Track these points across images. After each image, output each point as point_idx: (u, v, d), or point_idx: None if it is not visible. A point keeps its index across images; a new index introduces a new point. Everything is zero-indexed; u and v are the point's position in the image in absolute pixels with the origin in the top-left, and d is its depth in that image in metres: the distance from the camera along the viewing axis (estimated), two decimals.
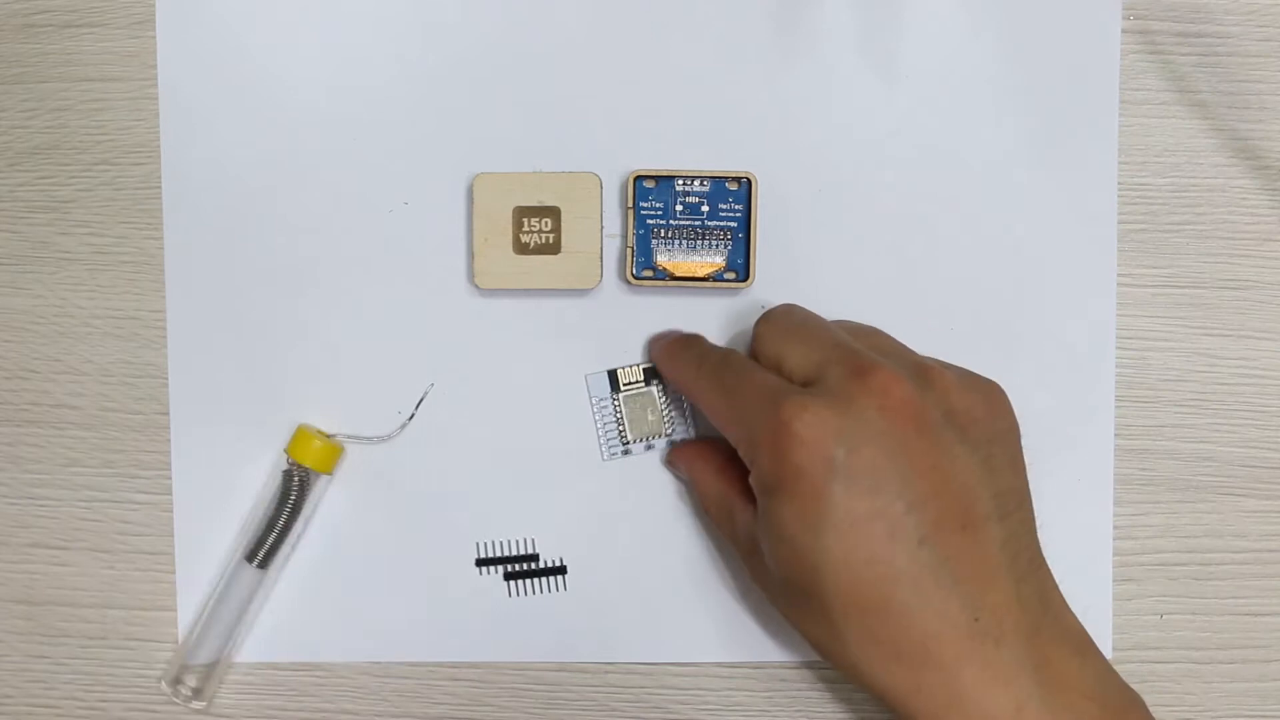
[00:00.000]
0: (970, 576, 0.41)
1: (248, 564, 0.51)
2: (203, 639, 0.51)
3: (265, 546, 0.50)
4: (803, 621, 0.44)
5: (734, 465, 0.48)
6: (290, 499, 0.50)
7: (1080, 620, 0.44)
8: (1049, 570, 0.44)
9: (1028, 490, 0.44)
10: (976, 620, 0.41)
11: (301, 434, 0.50)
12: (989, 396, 0.45)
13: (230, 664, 0.52)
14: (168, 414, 0.52)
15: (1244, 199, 0.52)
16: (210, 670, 0.51)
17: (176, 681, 0.51)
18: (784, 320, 0.47)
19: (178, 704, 0.52)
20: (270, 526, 0.50)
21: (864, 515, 0.41)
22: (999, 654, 0.41)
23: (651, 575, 0.52)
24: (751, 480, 0.44)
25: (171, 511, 0.52)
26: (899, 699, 0.42)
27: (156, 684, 0.52)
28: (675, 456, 0.51)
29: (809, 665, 0.52)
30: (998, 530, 0.42)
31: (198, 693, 0.51)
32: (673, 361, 0.50)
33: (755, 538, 0.45)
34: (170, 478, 0.52)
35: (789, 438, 0.41)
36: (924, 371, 0.44)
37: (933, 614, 0.41)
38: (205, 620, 0.51)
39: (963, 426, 0.43)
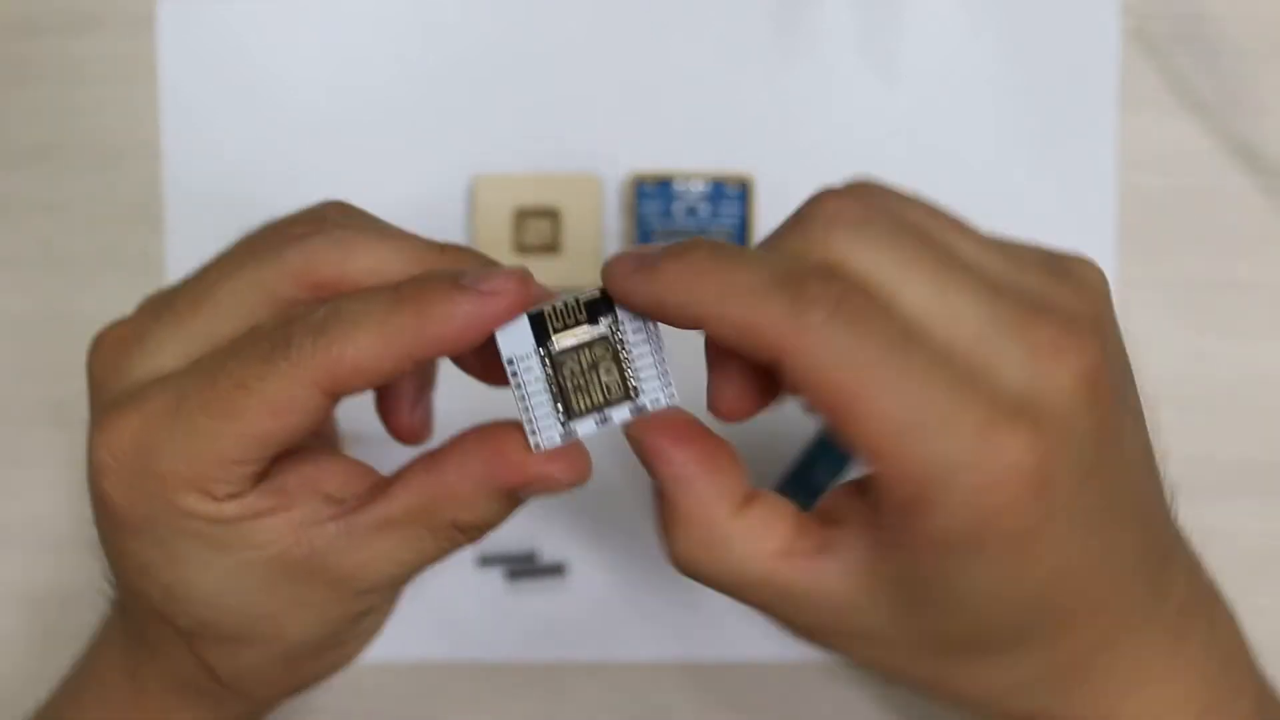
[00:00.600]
0: (1168, 581, 0.35)
1: None
2: None
3: None
4: (965, 681, 0.33)
5: (753, 497, 0.32)
6: None
7: None
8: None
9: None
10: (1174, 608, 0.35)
11: None
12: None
13: None
14: None
15: (1244, 199, 0.52)
16: None
17: None
18: (885, 221, 0.30)
19: None
20: None
21: (1097, 556, 0.31)
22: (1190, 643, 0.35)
23: (651, 575, 0.52)
24: (901, 520, 0.29)
25: None
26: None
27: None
28: (642, 432, 0.32)
29: (809, 665, 0.52)
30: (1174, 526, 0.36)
31: None
32: (719, 292, 0.29)
33: (841, 604, 0.31)
34: None
35: (1012, 478, 0.28)
36: (1094, 319, 0.31)
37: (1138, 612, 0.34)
38: None
39: (1127, 365, 0.34)
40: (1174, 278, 0.52)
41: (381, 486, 0.34)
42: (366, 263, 0.33)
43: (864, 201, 0.31)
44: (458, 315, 0.31)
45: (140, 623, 0.36)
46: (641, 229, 0.50)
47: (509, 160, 0.51)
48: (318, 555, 0.33)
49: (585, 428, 0.33)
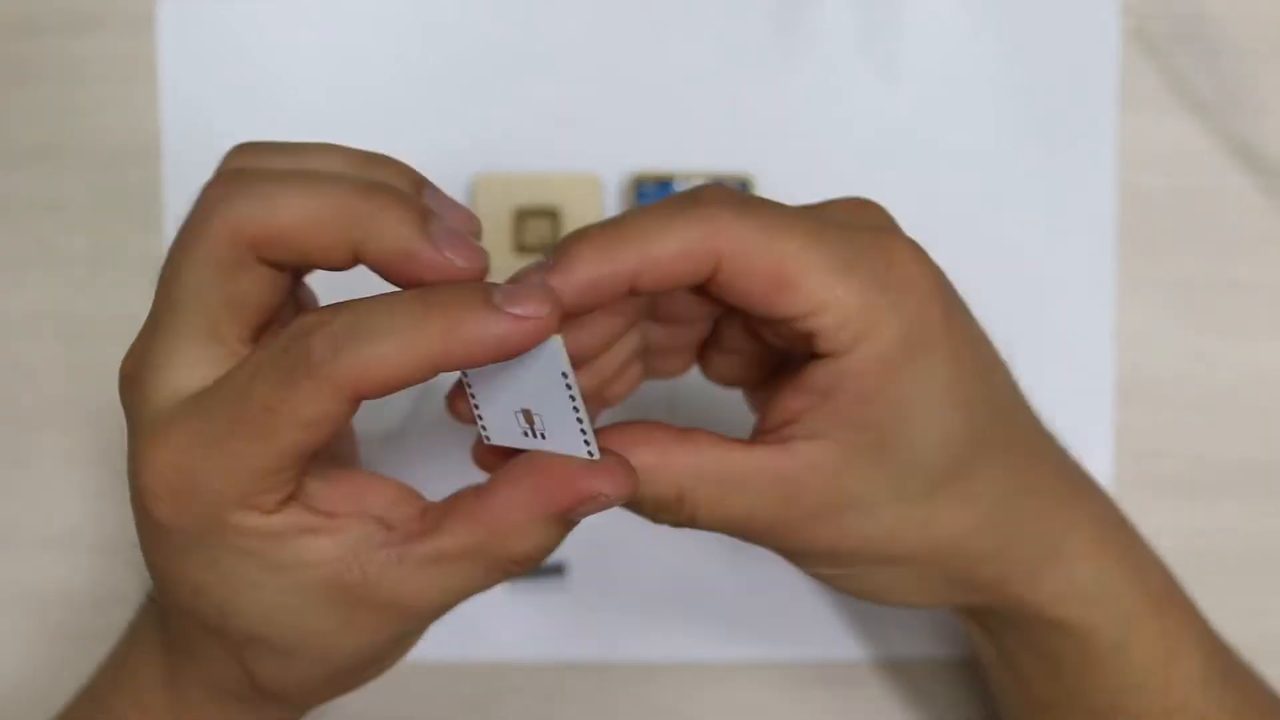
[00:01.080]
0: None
1: None
2: None
3: None
4: (936, 520, 0.36)
5: (689, 431, 0.36)
6: None
7: None
8: None
9: None
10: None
11: None
12: None
13: None
14: None
15: (1244, 199, 0.52)
16: None
17: None
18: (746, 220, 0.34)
19: None
20: None
21: (989, 364, 0.37)
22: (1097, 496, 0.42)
23: (651, 575, 0.52)
24: (852, 362, 0.33)
25: None
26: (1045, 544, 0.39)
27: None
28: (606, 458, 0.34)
29: (809, 664, 0.52)
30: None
31: None
32: (644, 244, 0.33)
33: (829, 473, 0.34)
34: None
35: (917, 284, 0.34)
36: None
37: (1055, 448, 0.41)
38: None
39: None
40: (1174, 278, 0.52)
41: (433, 515, 0.34)
42: (292, 215, 0.33)
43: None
44: (487, 337, 0.30)
45: (183, 633, 0.36)
46: None
47: (509, 160, 0.51)
48: (370, 581, 0.33)
49: (518, 442, 0.34)
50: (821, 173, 0.52)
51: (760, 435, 0.35)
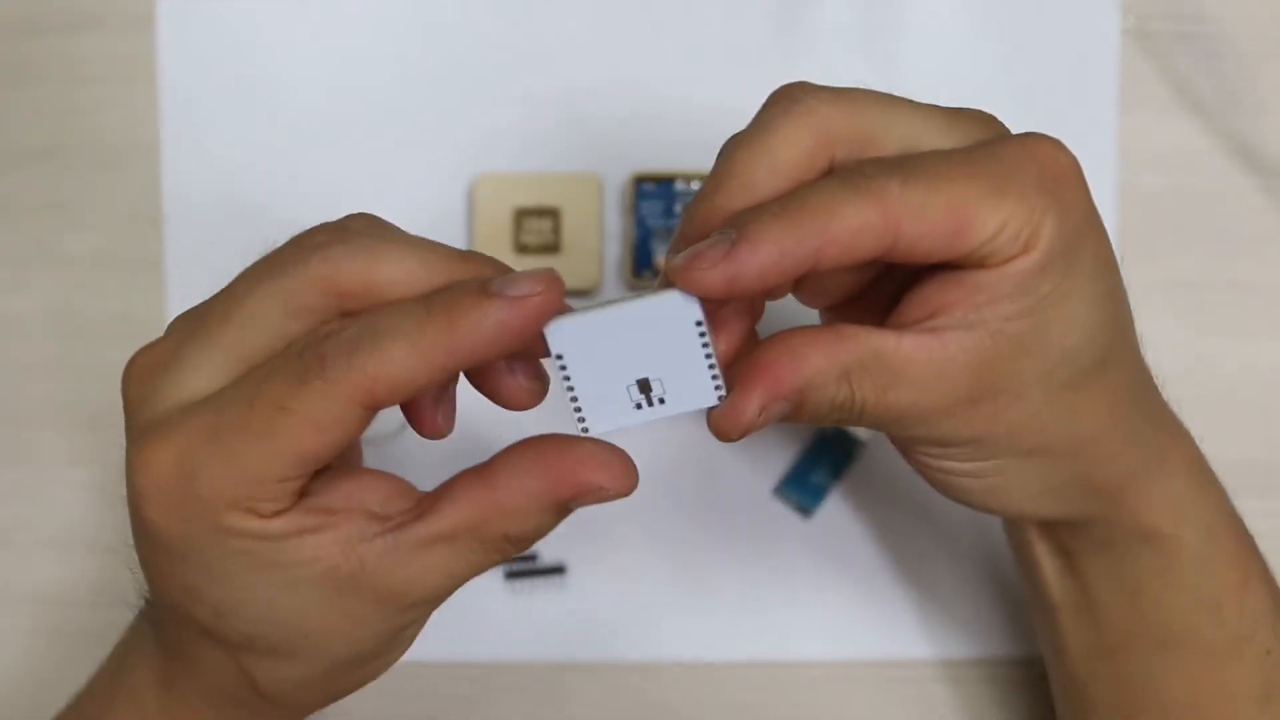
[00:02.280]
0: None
1: None
2: None
3: None
4: (1091, 400, 0.37)
5: (838, 329, 0.35)
6: None
7: None
8: None
9: None
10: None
11: None
12: None
13: None
14: None
15: (1244, 199, 0.52)
16: None
17: None
18: (845, 93, 0.37)
19: None
20: None
21: (1120, 289, 0.39)
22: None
23: (651, 575, 0.52)
24: (1018, 270, 0.34)
25: None
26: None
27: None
28: (762, 371, 0.34)
29: (809, 665, 0.52)
30: None
31: None
32: (824, 228, 0.33)
33: (971, 351, 0.34)
34: None
35: (1075, 190, 0.35)
36: None
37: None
38: None
39: None
40: (1174, 278, 0.52)
41: (428, 502, 0.34)
42: (390, 271, 0.33)
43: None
44: (488, 323, 0.31)
45: (178, 637, 0.36)
46: (641, 228, 0.50)
47: (509, 160, 0.51)
48: (367, 571, 0.33)
49: (628, 418, 0.35)
50: None
51: (900, 326, 0.35)
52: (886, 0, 0.52)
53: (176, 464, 0.32)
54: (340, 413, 0.31)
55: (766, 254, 0.32)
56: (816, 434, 0.52)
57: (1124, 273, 0.52)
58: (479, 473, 0.34)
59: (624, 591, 0.52)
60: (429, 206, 0.51)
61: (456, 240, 0.52)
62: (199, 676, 0.37)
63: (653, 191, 0.50)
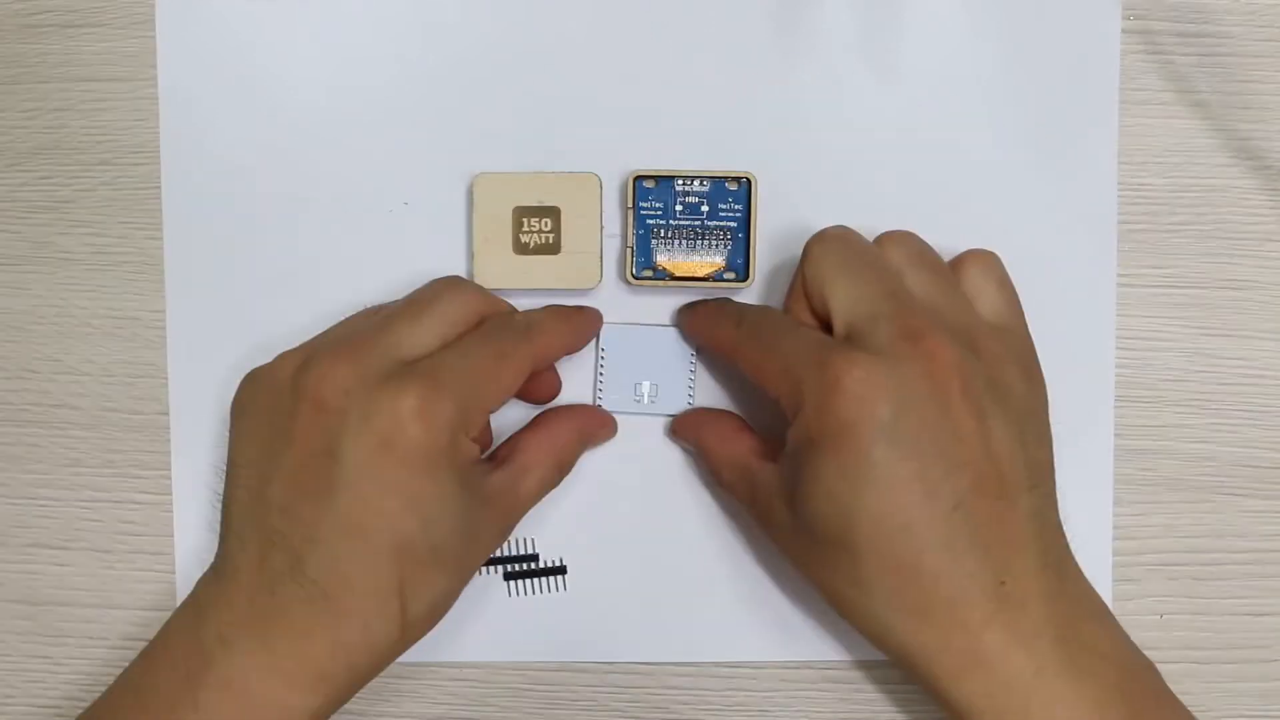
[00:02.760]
0: (1000, 543, 0.42)
1: None
2: None
3: None
4: (828, 576, 0.44)
5: (744, 430, 0.50)
6: None
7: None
8: (1067, 540, 0.45)
9: (1053, 464, 0.46)
10: (1002, 584, 0.42)
11: None
12: (1030, 370, 0.46)
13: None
14: (168, 414, 0.52)
15: (1244, 199, 0.52)
16: None
17: None
18: (839, 249, 0.46)
19: None
20: None
21: (905, 477, 0.41)
22: (1022, 618, 0.42)
23: (651, 575, 0.52)
24: (791, 432, 0.44)
25: (171, 511, 0.52)
26: (922, 658, 0.42)
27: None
28: (680, 425, 0.52)
29: (809, 665, 0.52)
30: (1027, 500, 0.43)
31: None
32: (708, 321, 0.50)
33: (774, 495, 0.45)
34: (170, 478, 0.52)
35: (838, 392, 0.42)
36: (973, 340, 0.44)
37: (962, 576, 0.42)
38: None
39: (1003, 397, 0.44)
40: (1174, 278, 0.52)
41: (508, 447, 0.49)
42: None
43: (844, 230, 0.47)
44: (593, 321, 0.51)
45: (303, 603, 0.42)
46: (641, 228, 0.50)
47: (509, 159, 0.51)
48: (503, 491, 0.47)
49: (627, 406, 0.52)
50: (821, 172, 0.52)
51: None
52: (887, 0, 0.51)
53: (424, 396, 0.42)
54: (527, 366, 0.46)
55: (687, 325, 0.52)
56: None
57: (1123, 272, 0.52)
58: (540, 424, 0.50)
59: (624, 592, 0.52)
60: (429, 205, 0.51)
61: (456, 239, 0.51)
62: (302, 649, 0.42)
63: (652, 190, 0.50)
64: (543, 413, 0.51)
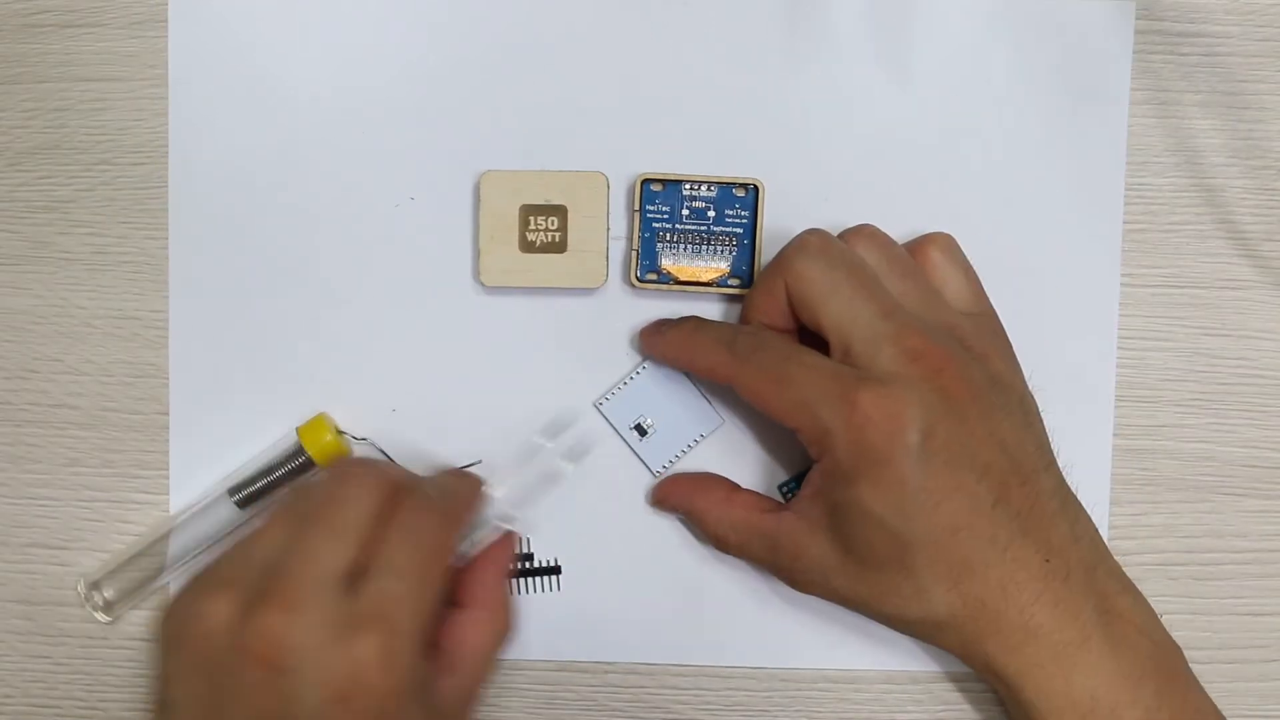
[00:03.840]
0: (1036, 525, 0.45)
1: (228, 498, 0.51)
2: (143, 556, 0.51)
3: (253, 487, 0.51)
4: (883, 596, 0.46)
5: (736, 489, 0.51)
6: (292, 462, 0.51)
7: None
8: (1082, 505, 0.47)
9: (1047, 432, 0.48)
10: (1047, 561, 0.45)
11: (318, 422, 0.51)
12: (1006, 349, 0.49)
13: (157, 591, 0.52)
14: (168, 414, 0.52)
15: (1244, 199, 0.52)
16: (136, 589, 0.51)
17: (95, 586, 0.51)
18: (824, 266, 0.46)
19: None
20: (265, 473, 0.51)
21: (945, 490, 0.44)
22: (1067, 589, 0.45)
23: (646, 577, 0.52)
24: (820, 469, 0.46)
25: (170, 511, 0.52)
26: (976, 640, 0.45)
27: (75, 587, 0.53)
28: (666, 495, 0.52)
29: (807, 671, 0.52)
30: (1046, 479, 0.46)
31: (109, 606, 0.51)
32: (693, 349, 0.49)
33: (806, 537, 0.47)
34: (170, 478, 0.52)
35: (868, 427, 0.43)
36: (961, 337, 0.46)
37: (1010, 563, 0.44)
38: (157, 540, 0.51)
39: (1002, 388, 0.46)
40: (1174, 278, 0.52)
41: (450, 632, 0.46)
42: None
43: (824, 238, 0.47)
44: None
45: None
46: (647, 230, 0.50)
47: (516, 157, 0.51)
48: (457, 694, 0.45)
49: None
50: (830, 176, 0.52)
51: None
52: (896, 4, 0.52)
53: (401, 634, 0.41)
54: (454, 550, 0.46)
55: (661, 351, 0.50)
56: None
57: (1124, 272, 0.52)
58: (470, 605, 0.47)
59: (619, 592, 0.52)
60: (435, 203, 0.51)
61: (462, 236, 0.51)
62: None
63: (659, 194, 0.50)
64: (465, 585, 0.47)
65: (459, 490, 0.48)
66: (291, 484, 0.47)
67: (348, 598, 0.41)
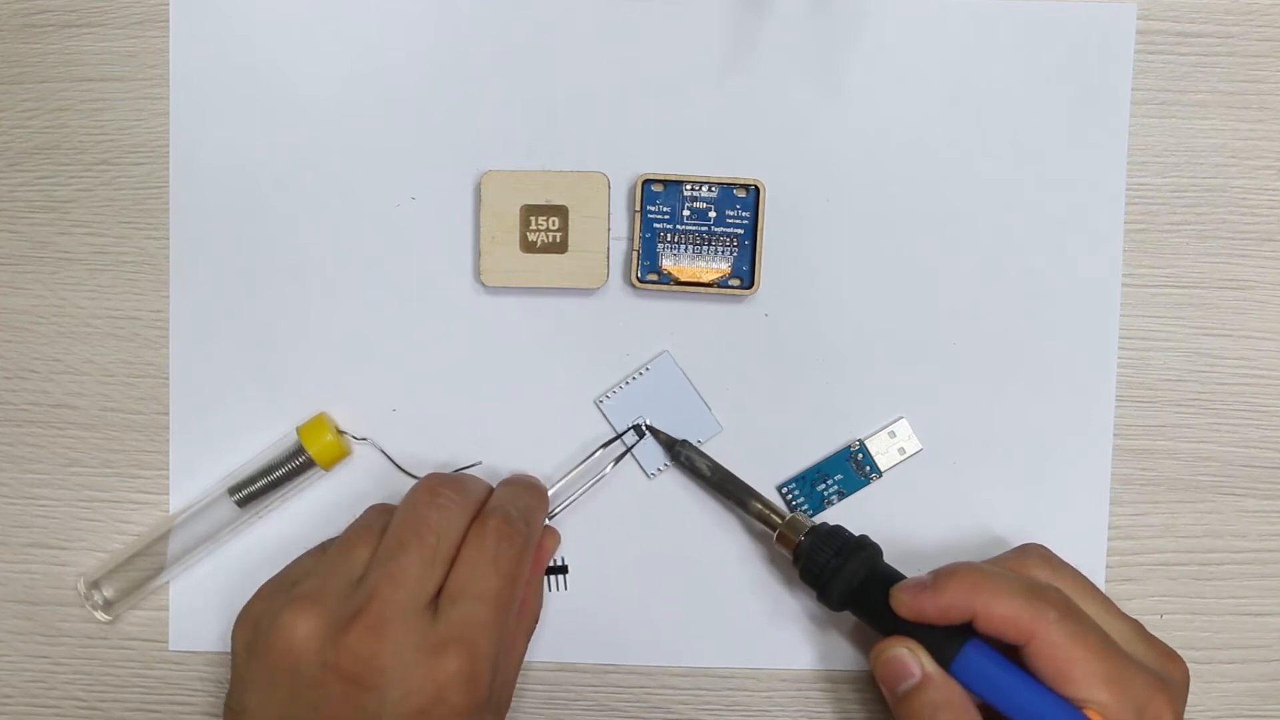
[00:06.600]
0: None
1: (228, 497, 0.51)
2: (143, 556, 0.51)
3: (253, 487, 0.51)
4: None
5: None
6: (292, 462, 0.51)
7: None
8: None
9: None
10: None
11: (318, 422, 0.51)
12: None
13: (157, 591, 0.52)
14: (168, 414, 0.52)
15: (1244, 199, 0.52)
16: (135, 589, 0.51)
17: (94, 586, 0.51)
18: (1086, 645, 0.44)
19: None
20: (265, 472, 0.51)
21: None
22: None
23: (651, 577, 0.52)
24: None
25: (170, 511, 0.52)
26: None
27: (75, 587, 0.53)
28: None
29: (809, 666, 0.52)
30: None
31: (109, 605, 0.51)
32: (994, 600, 0.45)
33: None
34: (170, 478, 0.52)
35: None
36: (1162, 679, 0.45)
37: None
38: (157, 540, 0.51)
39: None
40: (1174, 278, 0.52)
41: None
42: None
43: (1054, 562, 0.47)
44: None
45: None
46: (648, 231, 0.50)
47: (517, 157, 0.51)
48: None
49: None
50: (830, 176, 0.52)
51: None
52: (897, 8, 0.52)
53: (482, 658, 0.43)
54: (527, 575, 0.47)
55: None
56: (836, 452, 0.52)
57: (1125, 272, 0.52)
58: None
59: (625, 592, 0.52)
60: (436, 203, 0.51)
61: (463, 236, 0.51)
62: None
63: (660, 195, 0.50)
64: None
65: (534, 507, 0.48)
66: (374, 503, 0.48)
67: (433, 619, 0.43)
